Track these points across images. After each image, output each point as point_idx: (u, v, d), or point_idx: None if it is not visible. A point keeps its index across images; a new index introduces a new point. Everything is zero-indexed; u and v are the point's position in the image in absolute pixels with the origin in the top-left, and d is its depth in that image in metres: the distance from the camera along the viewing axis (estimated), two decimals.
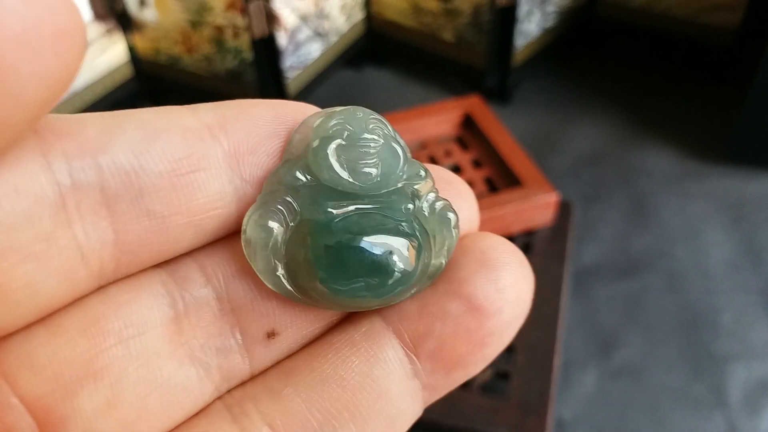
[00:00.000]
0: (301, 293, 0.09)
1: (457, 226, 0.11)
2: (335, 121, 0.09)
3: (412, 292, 0.10)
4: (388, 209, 0.09)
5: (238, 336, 0.10)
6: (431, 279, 0.10)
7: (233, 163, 0.09)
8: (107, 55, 0.49)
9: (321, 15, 0.49)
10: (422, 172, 0.10)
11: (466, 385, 0.31)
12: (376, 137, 0.10)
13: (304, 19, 0.47)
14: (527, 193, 0.37)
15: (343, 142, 0.09)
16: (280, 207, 0.09)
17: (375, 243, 0.09)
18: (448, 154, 0.42)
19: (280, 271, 0.09)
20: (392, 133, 0.10)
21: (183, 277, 0.09)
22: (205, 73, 0.49)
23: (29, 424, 0.08)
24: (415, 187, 0.10)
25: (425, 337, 0.10)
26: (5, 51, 0.07)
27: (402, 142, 0.10)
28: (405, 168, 0.10)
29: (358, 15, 0.54)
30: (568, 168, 0.47)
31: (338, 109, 0.10)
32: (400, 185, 0.10)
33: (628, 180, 0.46)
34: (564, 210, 0.39)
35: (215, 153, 0.09)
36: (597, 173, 0.47)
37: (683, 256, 0.40)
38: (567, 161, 0.48)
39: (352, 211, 0.09)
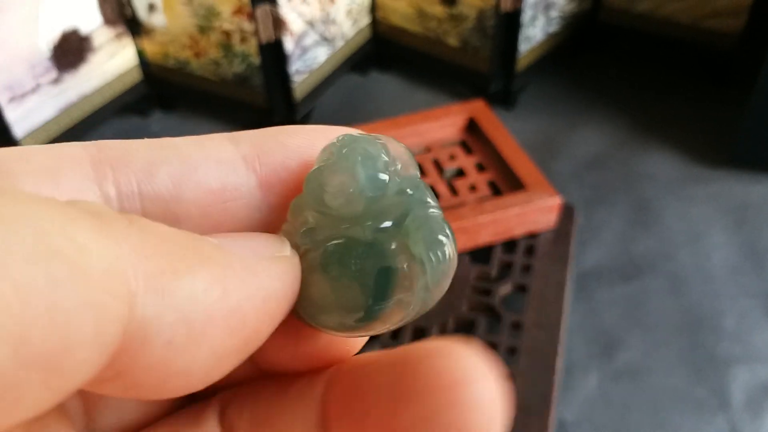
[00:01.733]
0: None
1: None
2: (328, 150, 0.10)
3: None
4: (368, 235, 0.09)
5: None
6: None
7: (265, 193, 0.10)
8: (116, 59, 0.50)
9: (327, 20, 0.49)
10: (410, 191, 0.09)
11: None
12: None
13: (310, 24, 0.48)
14: (531, 196, 0.37)
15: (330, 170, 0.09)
16: (297, 237, 0.09)
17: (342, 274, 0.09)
18: (452, 157, 0.43)
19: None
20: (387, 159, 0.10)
21: None
22: (212, 77, 0.50)
23: None
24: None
25: None
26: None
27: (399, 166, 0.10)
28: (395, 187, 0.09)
29: (364, 20, 0.54)
30: (572, 172, 0.47)
31: (342, 135, 0.10)
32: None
33: (631, 184, 0.46)
34: (567, 213, 0.40)
35: (249, 183, 0.09)
36: (600, 177, 0.47)
37: (686, 260, 0.40)
38: (570, 165, 0.48)
39: (339, 238, 0.09)
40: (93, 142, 0.09)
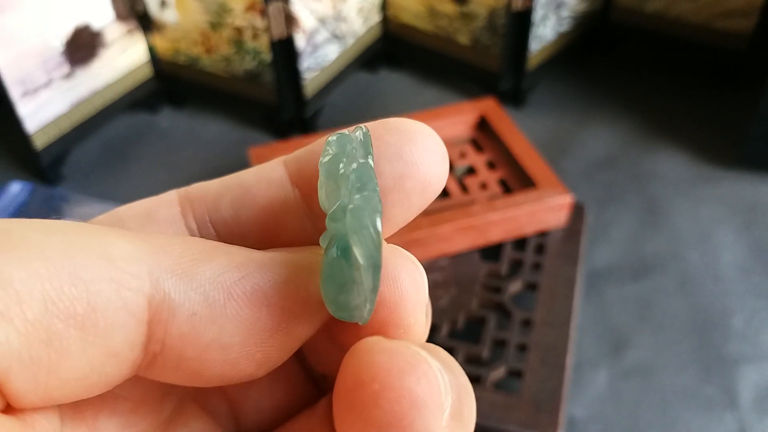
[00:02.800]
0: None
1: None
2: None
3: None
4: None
5: None
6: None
7: (310, 203, 0.11)
8: (127, 55, 0.50)
9: (339, 17, 0.50)
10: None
11: (480, 382, 0.31)
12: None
13: (322, 21, 0.48)
14: (541, 194, 0.38)
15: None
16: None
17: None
18: (463, 155, 0.43)
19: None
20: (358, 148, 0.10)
21: None
22: (223, 74, 0.50)
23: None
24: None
25: None
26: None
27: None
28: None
29: (375, 18, 0.55)
30: (582, 171, 0.47)
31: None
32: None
33: (641, 183, 0.46)
34: (577, 212, 0.40)
35: (295, 197, 0.11)
36: (610, 176, 0.47)
37: (695, 259, 0.41)
38: (580, 164, 0.48)
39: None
40: (185, 187, 0.11)
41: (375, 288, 0.09)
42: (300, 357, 0.12)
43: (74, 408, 0.09)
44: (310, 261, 0.10)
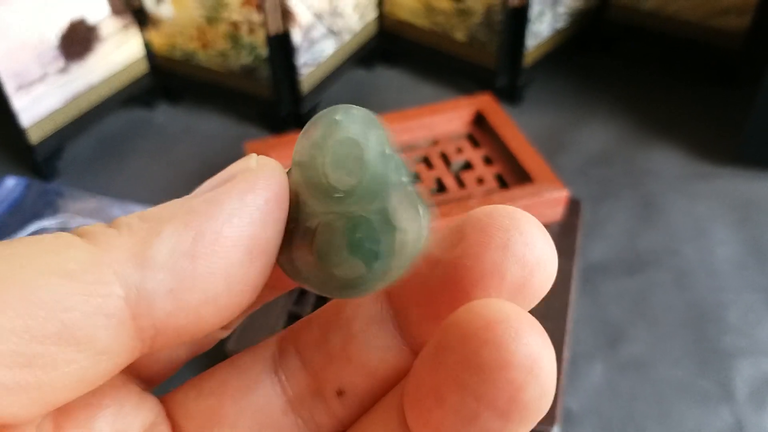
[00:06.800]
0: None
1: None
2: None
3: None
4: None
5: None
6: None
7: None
8: (123, 50, 0.50)
9: (335, 13, 0.50)
10: None
11: None
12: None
13: (318, 16, 0.48)
14: (537, 189, 0.38)
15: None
16: None
17: None
18: (459, 150, 0.43)
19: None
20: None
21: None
22: (219, 69, 0.50)
23: None
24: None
25: None
26: None
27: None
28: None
29: (371, 14, 0.55)
30: (577, 167, 0.48)
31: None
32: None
33: (637, 180, 0.46)
34: (573, 207, 0.40)
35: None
36: (605, 173, 0.47)
37: (690, 254, 0.41)
38: (576, 160, 0.48)
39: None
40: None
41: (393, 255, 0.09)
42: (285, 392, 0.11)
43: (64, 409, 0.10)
44: (258, 176, 0.10)
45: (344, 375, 0.11)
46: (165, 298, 0.09)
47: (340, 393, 0.11)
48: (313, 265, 0.10)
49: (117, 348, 0.09)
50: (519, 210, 0.10)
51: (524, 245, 0.10)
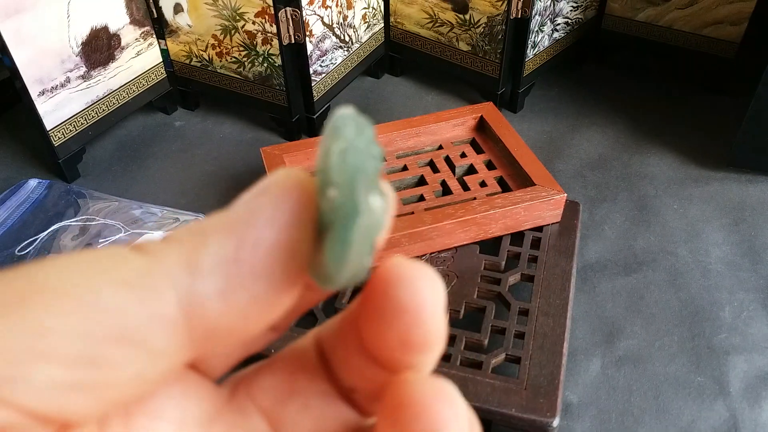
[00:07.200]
0: None
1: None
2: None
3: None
4: None
5: None
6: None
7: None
8: (142, 57, 0.52)
9: (345, 24, 0.51)
10: None
11: (481, 368, 0.33)
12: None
13: (329, 27, 0.50)
14: (538, 192, 0.39)
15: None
16: None
17: None
18: (463, 155, 0.45)
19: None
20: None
21: None
22: (235, 76, 0.52)
23: None
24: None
25: None
26: None
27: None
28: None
29: (379, 25, 0.56)
30: (575, 171, 0.49)
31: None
32: None
33: (632, 184, 0.48)
34: (572, 209, 0.41)
35: None
36: (602, 177, 0.48)
37: (685, 255, 0.42)
38: (573, 165, 0.49)
39: None
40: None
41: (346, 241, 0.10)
42: (331, 377, 0.13)
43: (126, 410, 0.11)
44: (284, 185, 0.11)
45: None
46: (214, 300, 0.10)
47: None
48: (317, 261, 0.11)
49: (172, 349, 0.10)
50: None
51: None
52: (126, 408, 0.11)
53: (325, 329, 0.13)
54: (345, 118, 0.10)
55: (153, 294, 0.09)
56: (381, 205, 0.10)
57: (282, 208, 0.10)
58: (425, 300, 0.10)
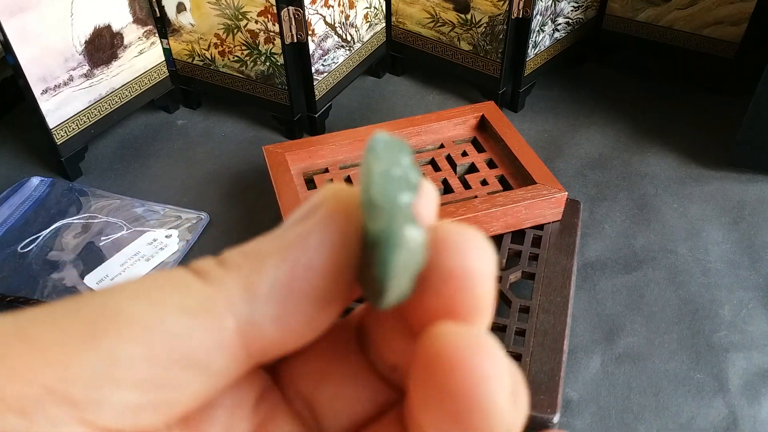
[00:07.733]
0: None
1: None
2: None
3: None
4: None
5: None
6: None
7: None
8: (145, 56, 0.52)
9: (347, 23, 0.52)
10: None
11: None
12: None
13: (331, 26, 0.50)
14: (539, 191, 0.40)
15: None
16: None
17: None
18: (464, 154, 0.45)
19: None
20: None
21: None
22: (237, 75, 0.52)
23: None
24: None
25: None
26: None
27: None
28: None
29: (380, 25, 0.57)
30: (575, 170, 0.49)
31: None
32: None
33: (633, 183, 0.48)
34: (572, 208, 0.42)
35: None
36: (602, 176, 0.48)
37: (685, 254, 0.42)
38: (574, 164, 0.50)
39: None
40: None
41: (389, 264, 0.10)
42: (369, 357, 0.12)
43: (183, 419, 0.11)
44: (330, 212, 0.11)
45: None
46: (271, 325, 0.10)
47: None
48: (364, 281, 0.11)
49: (230, 370, 0.10)
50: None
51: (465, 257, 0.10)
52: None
53: (367, 307, 0.13)
54: (383, 141, 0.11)
55: (214, 320, 0.10)
56: (418, 238, 0.10)
57: (331, 230, 0.11)
58: (473, 265, 0.10)
